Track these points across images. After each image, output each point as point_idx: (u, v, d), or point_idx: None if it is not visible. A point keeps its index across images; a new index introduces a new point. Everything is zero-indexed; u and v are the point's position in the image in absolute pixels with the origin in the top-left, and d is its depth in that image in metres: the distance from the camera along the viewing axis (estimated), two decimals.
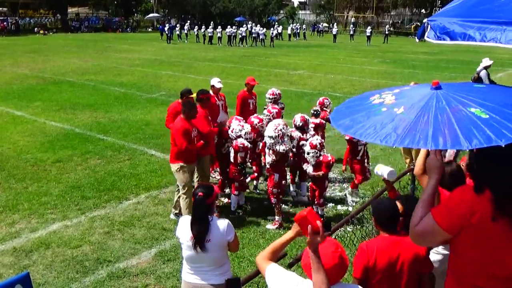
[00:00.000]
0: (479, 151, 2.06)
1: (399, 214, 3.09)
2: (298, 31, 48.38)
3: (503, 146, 1.82)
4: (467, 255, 2.18)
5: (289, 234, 2.52)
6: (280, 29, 45.41)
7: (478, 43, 2.33)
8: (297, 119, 6.95)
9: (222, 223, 3.53)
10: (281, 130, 6.14)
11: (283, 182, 6.39)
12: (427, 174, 2.32)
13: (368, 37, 40.81)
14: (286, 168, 6.70)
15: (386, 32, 44.80)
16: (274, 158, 6.17)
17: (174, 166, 6.14)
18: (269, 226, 6.31)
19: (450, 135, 1.90)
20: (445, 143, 1.89)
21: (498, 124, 1.89)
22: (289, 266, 2.97)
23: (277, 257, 2.61)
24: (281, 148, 6.12)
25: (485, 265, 2.13)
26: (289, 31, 47.24)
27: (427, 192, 2.25)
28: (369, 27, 44.61)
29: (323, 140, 6.35)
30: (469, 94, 2.14)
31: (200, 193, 3.50)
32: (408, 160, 7.85)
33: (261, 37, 38.67)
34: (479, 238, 2.10)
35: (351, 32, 46.96)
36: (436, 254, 3.57)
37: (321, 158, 6.20)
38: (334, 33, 44.30)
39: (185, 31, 43.16)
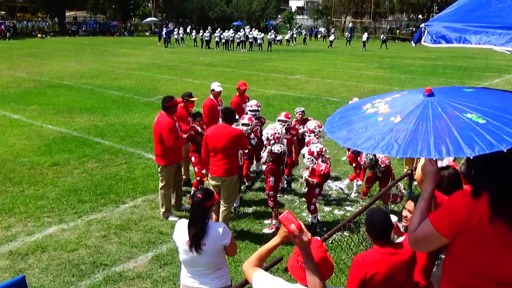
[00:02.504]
0: (476, 156, 2.07)
1: (391, 224, 3.05)
2: (295, 35, 48.64)
3: (505, 151, 1.83)
4: (464, 258, 2.18)
5: (275, 240, 2.51)
6: (280, 37, 45.84)
7: (474, 45, 2.34)
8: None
9: (218, 227, 3.52)
10: (275, 134, 6.27)
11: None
12: (423, 180, 2.32)
13: (364, 43, 41.01)
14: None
15: (383, 39, 44.98)
16: (270, 158, 6.27)
17: (235, 178, 5.99)
18: (266, 230, 6.31)
19: (452, 143, 1.90)
20: (448, 151, 1.89)
21: (497, 129, 1.90)
22: (285, 271, 2.96)
23: (263, 263, 2.59)
24: (275, 148, 6.19)
25: (482, 268, 2.14)
26: (287, 37, 47.43)
27: (423, 198, 2.25)
28: (365, 33, 44.79)
29: (322, 148, 6.32)
30: (462, 99, 2.14)
31: (199, 195, 3.49)
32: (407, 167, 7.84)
33: (258, 41, 38.77)
34: (476, 241, 2.11)
35: (348, 37, 47.16)
36: None
37: (315, 166, 6.19)
38: (331, 39, 44.54)
39: (181, 35, 43.27)
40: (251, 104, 7.87)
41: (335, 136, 2.28)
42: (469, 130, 1.93)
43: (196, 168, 7.13)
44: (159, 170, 6.64)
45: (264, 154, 6.40)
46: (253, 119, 7.33)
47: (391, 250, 2.90)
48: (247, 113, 7.81)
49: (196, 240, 3.41)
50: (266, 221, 6.54)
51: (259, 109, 7.94)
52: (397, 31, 61.20)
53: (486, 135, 1.88)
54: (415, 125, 2.04)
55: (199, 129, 6.88)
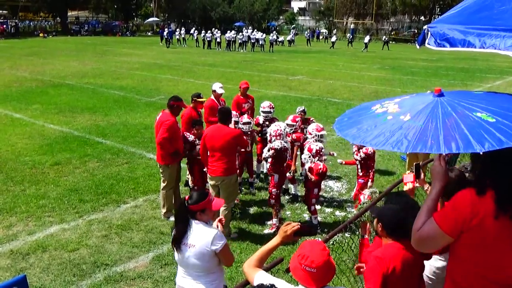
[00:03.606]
0: (485, 154, 2.07)
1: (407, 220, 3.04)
2: (293, 37, 48.67)
3: None
4: (467, 258, 2.18)
5: (275, 240, 2.50)
6: (281, 38, 45.86)
7: (478, 49, 2.34)
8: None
9: (210, 232, 3.41)
10: (277, 130, 6.36)
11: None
12: (431, 180, 2.31)
13: (366, 44, 40.98)
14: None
15: (385, 40, 44.92)
16: (270, 153, 6.33)
17: (234, 178, 6.00)
18: (267, 230, 6.31)
19: (462, 140, 1.93)
20: (458, 147, 1.91)
21: (506, 127, 1.93)
22: (286, 272, 2.96)
23: (264, 264, 2.59)
24: (275, 144, 6.26)
25: (485, 268, 2.14)
26: (288, 38, 47.42)
27: (430, 198, 2.25)
28: (367, 35, 44.73)
29: (322, 147, 6.35)
30: (472, 100, 2.17)
31: (186, 197, 3.50)
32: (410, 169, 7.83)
33: (260, 42, 38.75)
34: (479, 241, 2.11)
35: (350, 39, 47.11)
36: (440, 260, 3.54)
37: (312, 164, 6.23)
38: (333, 40, 44.49)
39: (183, 35, 43.29)
40: (264, 106, 7.76)
41: (344, 133, 2.31)
42: (479, 127, 1.95)
43: (191, 177, 7.13)
44: (160, 170, 6.64)
45: (265, 150, 6.49)
46: (251, 117, 7.39)
47: (405, 244, 2.88)
48: (248, 112, 7.81)
49: (176, 239, 3.44)
50: (268, 222, 6.54)
51: (272, 111, 7.80)
52: (393, 33, 61.01)
53: (495, 133, 1.91)
54: (424, 123, 2.06)
55: (189, 138, 6.78)
